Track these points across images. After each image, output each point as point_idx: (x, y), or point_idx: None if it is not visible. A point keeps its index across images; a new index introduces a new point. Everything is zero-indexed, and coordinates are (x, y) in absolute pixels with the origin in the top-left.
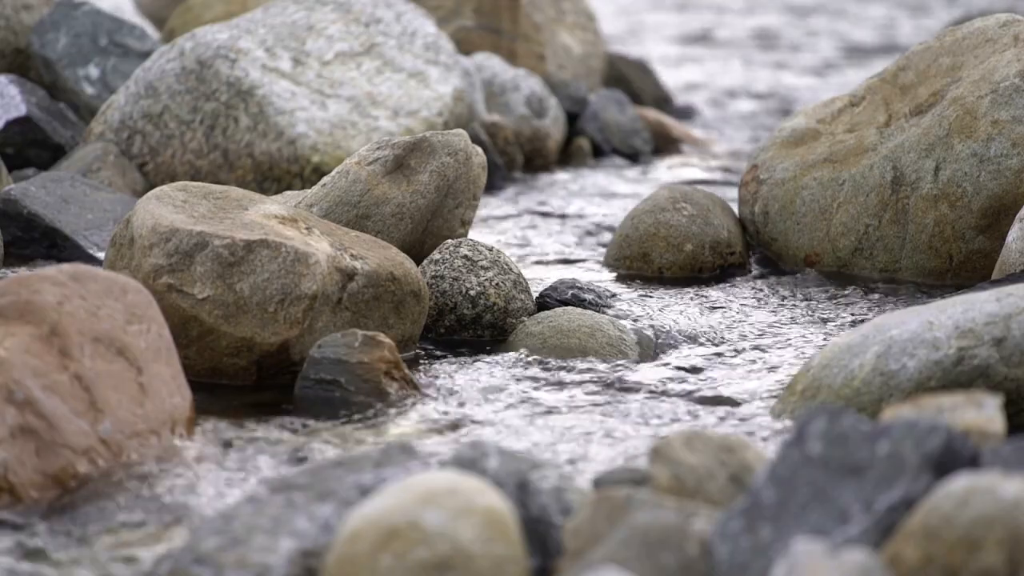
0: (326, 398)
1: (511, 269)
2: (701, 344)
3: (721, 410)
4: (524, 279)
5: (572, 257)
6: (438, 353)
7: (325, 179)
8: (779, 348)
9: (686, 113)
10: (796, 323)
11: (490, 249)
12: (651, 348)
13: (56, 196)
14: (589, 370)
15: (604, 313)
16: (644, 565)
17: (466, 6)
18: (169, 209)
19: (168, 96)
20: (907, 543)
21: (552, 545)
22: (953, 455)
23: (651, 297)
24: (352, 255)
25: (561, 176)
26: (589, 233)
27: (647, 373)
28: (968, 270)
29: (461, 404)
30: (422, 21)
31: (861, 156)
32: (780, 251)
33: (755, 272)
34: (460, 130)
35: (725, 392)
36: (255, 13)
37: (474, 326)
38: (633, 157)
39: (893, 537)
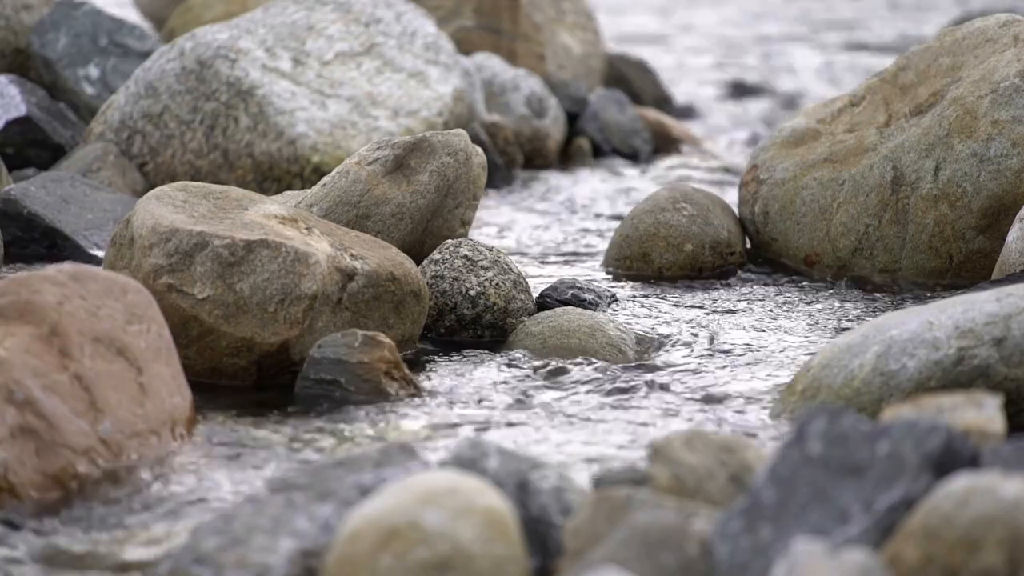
0: (326, 398)
1: (511, 269)
2: (701, 344)
3: (721, 410)
4: (524, 279)
5: (572, 257)
6: (438, 353)
7: (325, 179)
8: (779, 348)
9: (686, 113)
10: (796, 323)
11: (490, 249)
12: (651, 348)
13: (56, 196)
14: (589, 370)
15: (604, 313)
16: (644, 565)
17: (466, 6)
18: (169, 209)
19: (168, 96)
20: (907, 543)
21: (552, 545)
22: (953, 455)
23: (651, 297)
24: (352, 255)
25: (561, 176)
26: (589, 233)
27: (647, 373)
28: (968, 270)
29: (461, 404)
30: (422, 21)
31: (861, 156)
32: (780, 251)
33: (755, 272)
34: (460, 130)
35: (725, 392)
36: (255, 13)
37: (474, 326)
38: (633, 157)
39: (893, 537)
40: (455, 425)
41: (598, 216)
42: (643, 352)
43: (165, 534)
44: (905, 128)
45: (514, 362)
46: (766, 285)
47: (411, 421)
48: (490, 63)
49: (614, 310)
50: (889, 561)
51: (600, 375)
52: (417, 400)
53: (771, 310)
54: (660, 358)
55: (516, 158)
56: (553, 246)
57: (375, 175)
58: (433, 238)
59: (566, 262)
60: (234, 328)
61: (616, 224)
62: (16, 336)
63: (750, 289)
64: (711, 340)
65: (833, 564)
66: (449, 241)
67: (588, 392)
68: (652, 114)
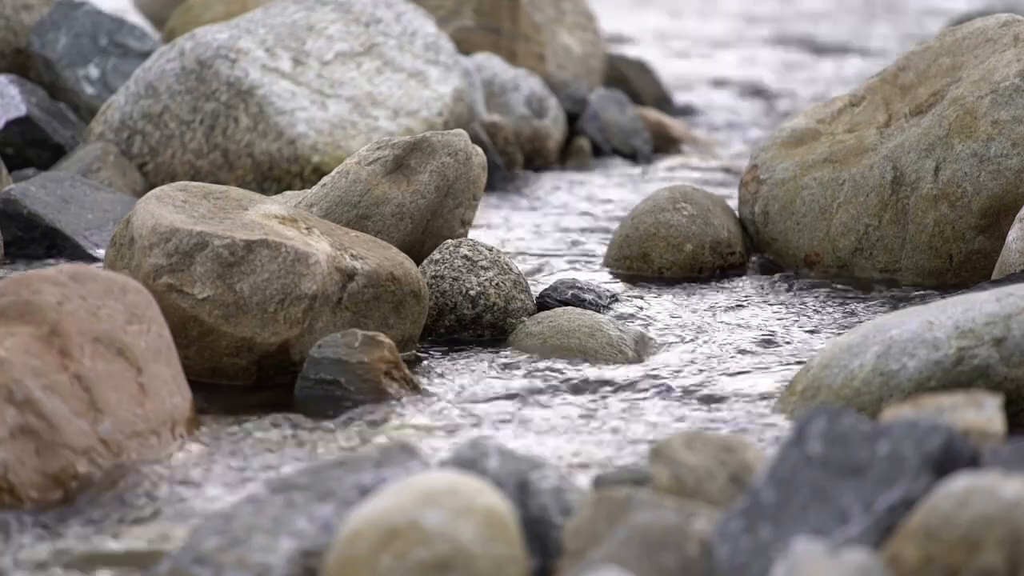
0: (326, 398)
1: (511, 269)
2: (701, 344)
3: (721, 410)
4: (524, 279)
5: (572, 257)
6: (438, 353)
7: (325, 179)
8: (779, 348)
9: (686, 113)
10: (796, 323)
11: (490, 249)
12: (651, 348)
13: (56, 196)
14: (589, 370)
15: (604, 313)
16: (644, 565)
17: (466, 6)
18: (169, 209)
19: (168, 96)
20: (907, 543)
21: (552, 545)
22: (953, 455)
23: (651, 297)
24: (352, 255)
25: (561, 176)
26: (589, 233)
27: (647, 373)
28: (968, 270)
29: (461, 404)
30: (422, 21)
31: (861, 156)
32: (780, 251)
33: (755, 272)
34: (460, 130)
35: (725, 392)
36: (255, 13)
37: (474, 326)
38: (633, 157)
39: (893, 537)
40: (455, 425)
41: (598, 216)
42: (643, 352)
43: (165, 534)
44: (905, 128)
45: (514, 362)
46: (766, 285)
47: (411, 421)
48: (490, 63)
49: (614, 310)
50: (889, 561)
51: (600, 375)
52: (417, 400)
53: (771, 310)
54: (660, 358)
55: (516, 158)
56: (553, 246)
57: (375, 175)
58: (433, 238)
59: (566, 262)
60: (234, 328)
61: (616, 224)
62: (16, 336)
63: (750, 289)
64: (711, 340)
65: (833, 564)
66: (449, 241)
67: (588, 392)
68: (652, 114)
